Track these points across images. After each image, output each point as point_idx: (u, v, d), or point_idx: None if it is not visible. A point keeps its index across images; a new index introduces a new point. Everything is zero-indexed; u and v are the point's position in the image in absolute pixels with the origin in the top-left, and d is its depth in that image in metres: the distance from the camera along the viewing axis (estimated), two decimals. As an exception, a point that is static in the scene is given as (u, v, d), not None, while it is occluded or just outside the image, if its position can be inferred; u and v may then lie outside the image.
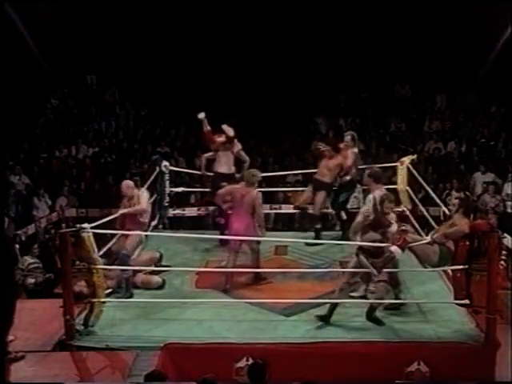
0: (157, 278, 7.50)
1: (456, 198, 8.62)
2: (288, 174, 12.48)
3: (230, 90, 15.81)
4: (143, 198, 7.45)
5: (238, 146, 8.97)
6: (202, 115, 8.98)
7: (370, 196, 7.03)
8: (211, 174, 9.11)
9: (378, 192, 7.04)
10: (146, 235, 7.96)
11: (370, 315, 6.64)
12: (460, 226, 6.46)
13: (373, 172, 7.50)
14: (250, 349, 6.02)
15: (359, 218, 6.89)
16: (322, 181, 8.78)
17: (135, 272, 7.36)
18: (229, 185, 8.13)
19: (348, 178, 8.72)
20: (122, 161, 14.07)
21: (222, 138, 8.86)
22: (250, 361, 5.81)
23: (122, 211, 7.38)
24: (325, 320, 6.59)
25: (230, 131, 8.85)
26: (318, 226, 8.86)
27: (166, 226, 9.71)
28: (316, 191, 8.80)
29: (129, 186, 7.50)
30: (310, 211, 8.97)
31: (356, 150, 8.83)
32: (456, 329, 6.55)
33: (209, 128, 8.99)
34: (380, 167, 8.45)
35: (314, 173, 9.02)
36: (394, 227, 6.46)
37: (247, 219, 7.38)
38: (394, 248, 6.34)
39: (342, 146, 8.85)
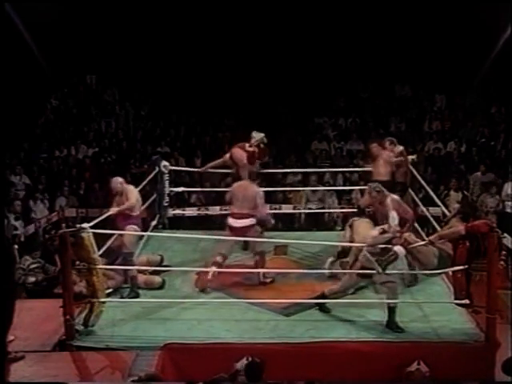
0: (158, 278, 7.52)
1: (458, 202, 8.58)
2: (288, 174, 12.51)
3: (230, 90, 15.82)
4: (131, 193, 7.36)
5: None
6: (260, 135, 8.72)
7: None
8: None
9: None
10: (146, 235, 7.97)
11: (391, 322, 6.53)
12: (455, 228, 6.47)
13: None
14: (250, 349, 6.01)
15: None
16: (382, 180, 8.32)
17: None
18: None
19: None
20: (122, 161, 14.07)
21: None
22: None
23: (113, 209, 7.31)
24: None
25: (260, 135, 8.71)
26: None
27: (166, 226, 9.71)
28: None
29: (118, 182, 7.43)
30: None
31: (402, 147, 8.77)
32: (456, 329, 6.55)
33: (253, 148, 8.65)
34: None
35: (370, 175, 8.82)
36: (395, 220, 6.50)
37: None
38: (397, 248, 6.35)
39: (387, 145, 8.73)
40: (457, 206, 7.19)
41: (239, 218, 7.50)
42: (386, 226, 6.60)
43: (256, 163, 8.62)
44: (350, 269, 6.85)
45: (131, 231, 7.27)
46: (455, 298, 6.71)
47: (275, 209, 10.86)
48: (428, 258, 6.56)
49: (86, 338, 6.32)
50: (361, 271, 6.63)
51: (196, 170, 10.48)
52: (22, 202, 12.03)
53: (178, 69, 16.08)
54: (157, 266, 7.79)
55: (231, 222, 7.54)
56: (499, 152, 14.00)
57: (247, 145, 8.60)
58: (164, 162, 9.52)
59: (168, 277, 7.61)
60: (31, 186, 12.75)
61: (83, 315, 6.41)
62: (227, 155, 8.85)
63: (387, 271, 6.47)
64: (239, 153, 8.61)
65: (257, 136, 8.63)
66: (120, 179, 7.52)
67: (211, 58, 15.98)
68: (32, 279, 8.14)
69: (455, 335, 6.43)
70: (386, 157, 8.57)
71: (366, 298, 7.06)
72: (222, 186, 11.49)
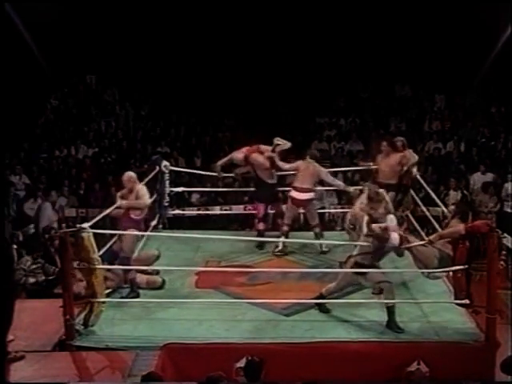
0: (159, 278, 7.52)
1: (453, 204, 8.56)
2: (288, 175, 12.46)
3: (230, 90, 15.82)
4: (143, 194, 7.27)
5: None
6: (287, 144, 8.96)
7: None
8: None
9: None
10: (146, 235, 7.95)
11: (391, 322, 6.51)
12: (455, 228, 6.47)
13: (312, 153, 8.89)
14: (250, 349, 6.01)
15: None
16: (387, 183, 8.20)
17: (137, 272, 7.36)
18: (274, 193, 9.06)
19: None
20: (122, 161, 14.06)
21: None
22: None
23: (122, 202, 7.21)
24: None
25: (287, 144, 8.99)
26: None
27: (166, 226, 9.70)
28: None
29: (131, 177, 7.29)
30: None
31: (411, 151, 8.63)
32: (456, 329, 6.55)
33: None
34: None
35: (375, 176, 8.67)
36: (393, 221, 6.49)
37: None
38: (393, 234, 6.32)
39: (399, 146, 8.54)
40: (453, 207, 7.14)
41: (301, 192, 8.41)
42: (382, 226, 6.58)
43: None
44: (345, 264, 6.85)
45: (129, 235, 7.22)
46: (455, 298, 6.71)
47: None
48: (428, 259, 6.56)
49: (85, 338, 6.31)
50: (359, 270, 6.63)
51: (211, 173, 10.27)
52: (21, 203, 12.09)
53: (177, 69, 16.08)
54: (154, 261, 7.72)
55: (294, 194, 8.46)
56: (499, 152, 14.00)
57: (268, 151, 8.85)
58: (164, 162, 9.52)
59: (168, 277, 7.60)
60: (31, 186, 12.74)
61: (83, 315, 6.41)
62: (240, 155, 8.94)
63: (384, 269, 6.49)
64: (260, 158, 8.85)
65: (283, 144, 8.92)
66: (133, 175, 7.39)
67: (211, 58, 15.98)
68: (32, 280, 8.13)
69: (455, 335, 6.43)
70: (398, 159, 8.42)
71: (365, 298, 7.06)
72: (221, 186, 11.52)
